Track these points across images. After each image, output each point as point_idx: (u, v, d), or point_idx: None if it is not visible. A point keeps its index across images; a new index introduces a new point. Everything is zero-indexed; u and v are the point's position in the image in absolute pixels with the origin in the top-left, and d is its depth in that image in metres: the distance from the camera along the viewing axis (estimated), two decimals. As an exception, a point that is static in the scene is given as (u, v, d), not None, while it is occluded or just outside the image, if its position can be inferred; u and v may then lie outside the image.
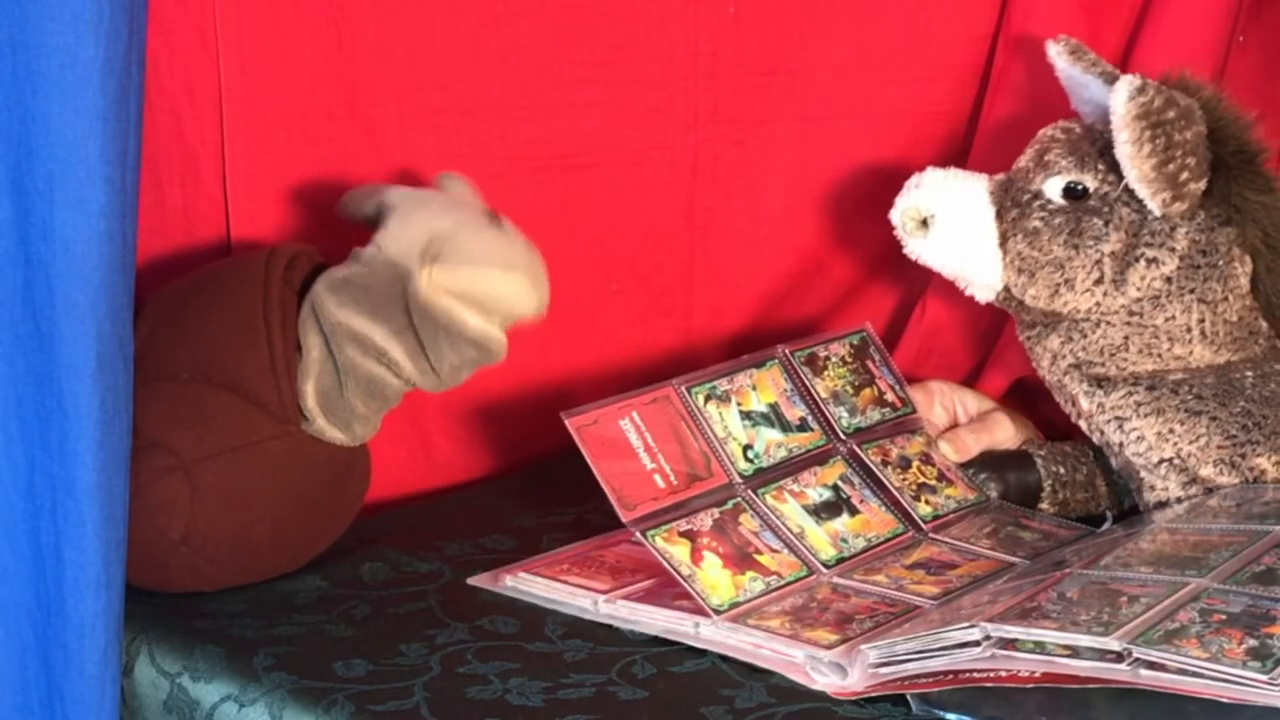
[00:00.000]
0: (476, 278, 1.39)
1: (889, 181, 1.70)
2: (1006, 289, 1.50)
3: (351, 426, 1.41)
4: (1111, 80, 1.47)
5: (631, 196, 1.70)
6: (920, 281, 1.73)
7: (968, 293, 1.53)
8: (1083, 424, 1.51)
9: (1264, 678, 1.13)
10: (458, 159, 1.58)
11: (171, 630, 1.33)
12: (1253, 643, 1.16)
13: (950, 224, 1.49)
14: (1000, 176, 1.51)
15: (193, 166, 1.49)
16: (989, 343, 1.69)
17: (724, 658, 1.29)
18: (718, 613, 1.32)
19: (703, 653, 1.30)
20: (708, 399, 1.45)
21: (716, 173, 1.72)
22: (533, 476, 1.64)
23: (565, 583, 1.39)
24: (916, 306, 1.72)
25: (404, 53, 1.55)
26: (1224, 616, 1.19)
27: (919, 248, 1.51)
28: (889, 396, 1.56)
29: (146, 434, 1.33)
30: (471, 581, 1.42)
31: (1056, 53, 1.52)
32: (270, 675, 1.27)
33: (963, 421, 1.61)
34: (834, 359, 1.55)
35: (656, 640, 1.32)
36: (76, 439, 1.17)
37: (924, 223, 1.50)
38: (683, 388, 1.45)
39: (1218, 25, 1.57)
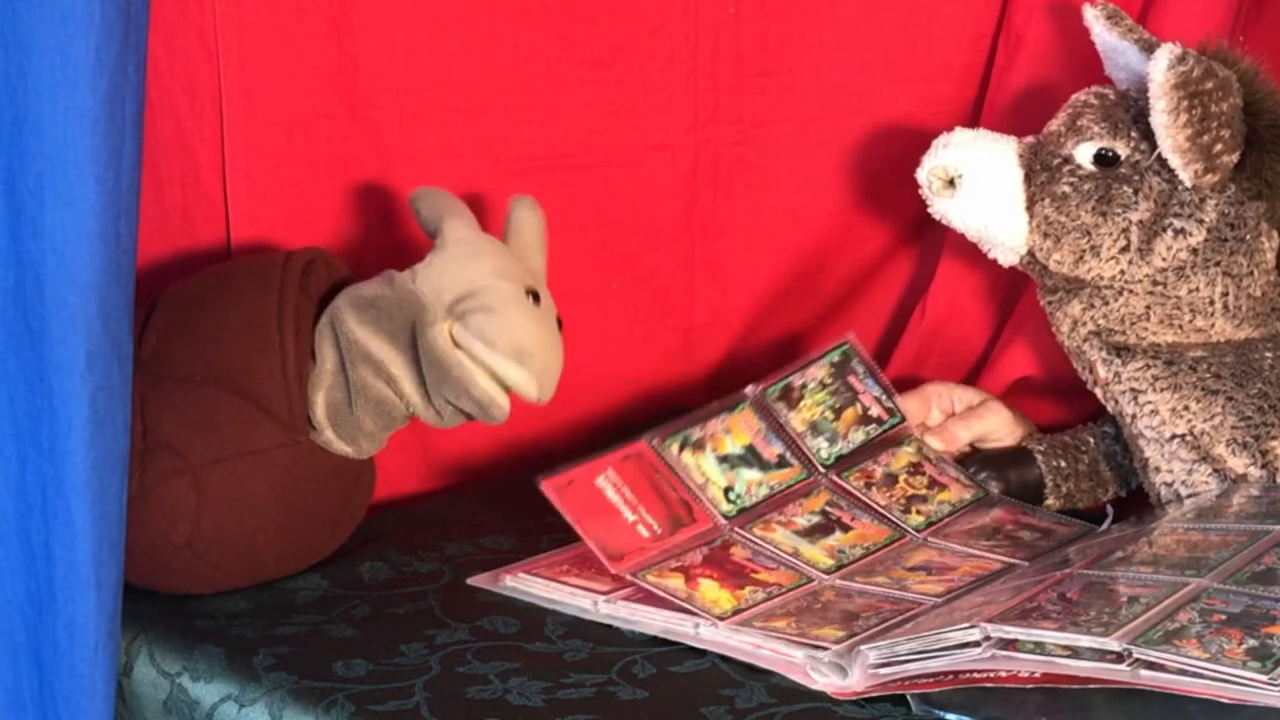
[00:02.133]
0: (488, 358, 1.38)
1: (889, 181, 1.70)
2: (1030, 253, 1.48)
3: (358, 441, 1.41)
4: (1148, 47, 1.46)
5: (631, 196, 1.69)
6: (921, 281, 1.73)
7: (990, 255, 1.51)
8: (1098, 392, 1.50)
9: (1264, 678, 1.13)
10: (458, 159, 1.59)
11: (171, 630, 1.33)
12: (1252, 643, 1.16)
13: (977, 185, 1.47)
14: (1030, 139, 1.49)
15: (193, 166, 1.49)
16: (989, 342, 1.69)
17: (724, 658, 1.29)
18: (722, 619, 1.31)
19: (703, 653, 1.30)
20: (682, 448, 1.44)
21: (716, 173, 1.72)
22: (533, 477, 1.64)
23: (565, 583, 1.39)
24: (916, 307, 1.71)
25: (404, 53, 1.55)
26: (1224, 617, 1.19)
27: (944, 207, 1.49)
28: (874, 411, 1.55)
29: (155, 435, 1.34)
30: (471, 581, 1.42)
31: (1094, 17, 1.51)
32: (270, 675, 1.27)
33: (958, 419, 1.61)
34: (811, 385, 1.53)
35: (656, 640, 1.32)
36: (66, 437, 1.17)
37: (951, 182, 1.47)
38: (655, 440, 1.44)
39: (1218, 25, 1.56)
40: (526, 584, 1.40)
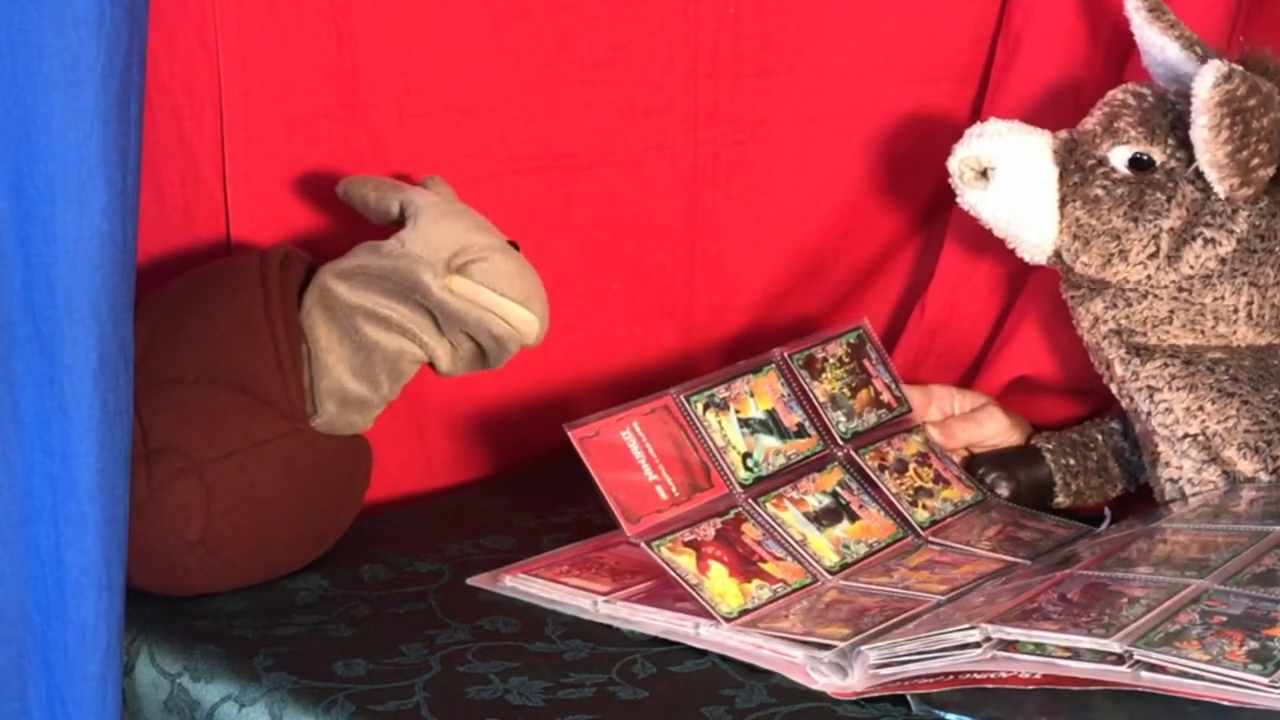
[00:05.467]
0: (496, 304, 1.41)
1: (889, 181, 1.70)
2: (1057, 252, 1.48)
3: (368, 409, 1.43)
4: (1189, 45, 1.45)
5: (631, 196, 1.69)
6: (920, 279, 1.73)
7: (1016, 252, 1.50)
8: (1113, 388, 1.50)
9: (1264, 680, 1.13)
10: (458, 159, 1.59)
11: (172, 630, 1.33)
12: (1253, 645, 1.16)
13: (1011, 180, 1.46)
14: (1065, 135, 1.48)
15: (193, 166, 1.49)
16: (988, 342, 1.69)
17: (724, 658, 1.29)
18: (728, 620, 1.31)
19: (703, 653, 1.30)
20: (706, 407, 1.44)
21: (716, 173, 1.71)
22: (533, 476, 1.64)
23: (565, 583, 1.39)
24: (916, 306, 1.71)
25: (404, 53, 1.55)
26: (1225, 618, 1.19)
27: (974, 199, 1.47)
28: (885, 397, 1.56)
29: (157, 437, 1.34)
30: (471, 582, 1.43)
31: (1135, 8, 1.49)
32: (270, 675, 1.27)
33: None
34: (831, 360, 1.54)
35: (656, 640, 1.32)
36: (79, 440, 1.17)
37: (983, 174, 1.46)
38: (681, 396, 1.44)
39: (1218, 25, 1.56)
40: (526, 584, 1.40)
